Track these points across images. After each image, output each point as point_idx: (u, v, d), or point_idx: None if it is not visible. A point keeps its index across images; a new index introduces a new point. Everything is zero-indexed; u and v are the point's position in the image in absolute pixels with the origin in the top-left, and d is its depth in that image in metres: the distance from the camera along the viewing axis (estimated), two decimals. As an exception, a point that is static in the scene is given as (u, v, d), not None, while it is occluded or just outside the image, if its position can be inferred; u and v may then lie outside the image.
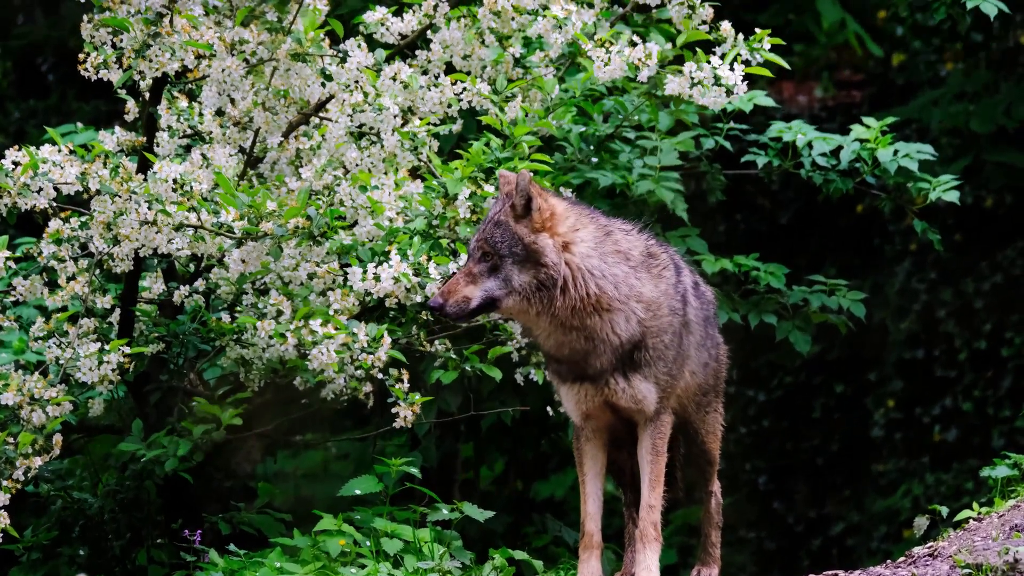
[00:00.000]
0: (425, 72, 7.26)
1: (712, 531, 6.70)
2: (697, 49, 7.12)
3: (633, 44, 7.14)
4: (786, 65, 7.25)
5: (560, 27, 7.17)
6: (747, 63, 7.13)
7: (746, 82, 7.08)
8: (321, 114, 7.18)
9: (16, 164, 6.72)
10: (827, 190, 8.33)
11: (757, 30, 7.15)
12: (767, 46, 7.14)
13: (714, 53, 7.14)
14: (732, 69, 7.06)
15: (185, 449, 6.83)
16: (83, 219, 6.91)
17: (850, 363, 14.48)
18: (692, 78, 7.09)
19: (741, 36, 7.15)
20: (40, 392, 6.52)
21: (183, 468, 7.00)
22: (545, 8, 7.21)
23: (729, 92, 7.07)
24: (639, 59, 7.08)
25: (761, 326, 8.41)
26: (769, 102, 8.29)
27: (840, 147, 8.35)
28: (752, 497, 14.64)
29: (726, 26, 7.15)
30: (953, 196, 8.27)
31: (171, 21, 6.71)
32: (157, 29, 6.70)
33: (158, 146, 7.21)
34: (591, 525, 6.28)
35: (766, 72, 7.15)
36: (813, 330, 8.43)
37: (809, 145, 8.35)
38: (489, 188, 6.88)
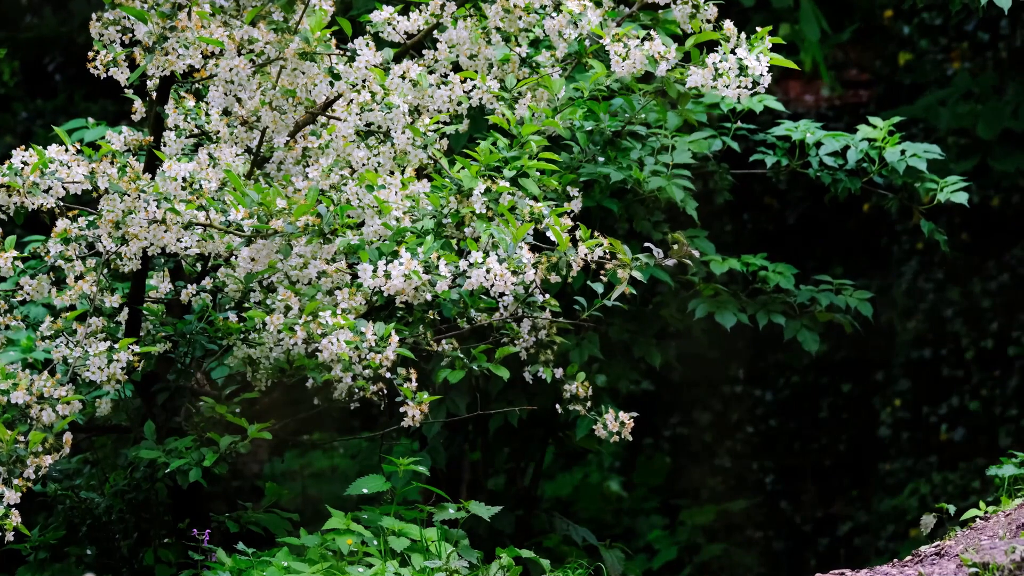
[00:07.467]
0: (432, 71, 7.25)
1: None
2: (720, 42, 7.09)
3: (650, 38, 7.13)
4: (793, 65, 7.23)
5: (575, 23, 7.16)
6: (742, 67, 7.10)
7: (771, 72, 7.05)
8: (328, 113, 7.18)
9: (24, 164, 6.73)
10: (835, 190, 8.32)
11: (758, 28, 7.14)
12: (768, 44, 7.12)
13: (716, 52, 7.12)
14: (759, 60, 7.03)
15: (212, 460, 6.82)
16: (91, 218, 6.92)
17: (857, 363, 14.46)
18: (716, 69, 7.06)
19: (744, 35, 7.13)
20: (49, 391, 6.52)
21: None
22: (557, 6, 7.20)
23: (755, 83, 7.04)
24: (658, 53, 7.06)
25: (768, 326, 8.40)
26: (778, 106, 8.29)
27: (847, 146, 8.34)
28: (759, 497, 14.63)
29: (729, 25, 7.13)
30: (961, 197, 8.25)
31: (188, 14, 6.71)
32: (173, 23, 6.70)
33: (165, 146, 7.21)
34: None
35: (788, 63, 7.10)
36: (821, 329, 8.43)
37: (817, 144, 8.36)
38: (504, 183, 6.88)
